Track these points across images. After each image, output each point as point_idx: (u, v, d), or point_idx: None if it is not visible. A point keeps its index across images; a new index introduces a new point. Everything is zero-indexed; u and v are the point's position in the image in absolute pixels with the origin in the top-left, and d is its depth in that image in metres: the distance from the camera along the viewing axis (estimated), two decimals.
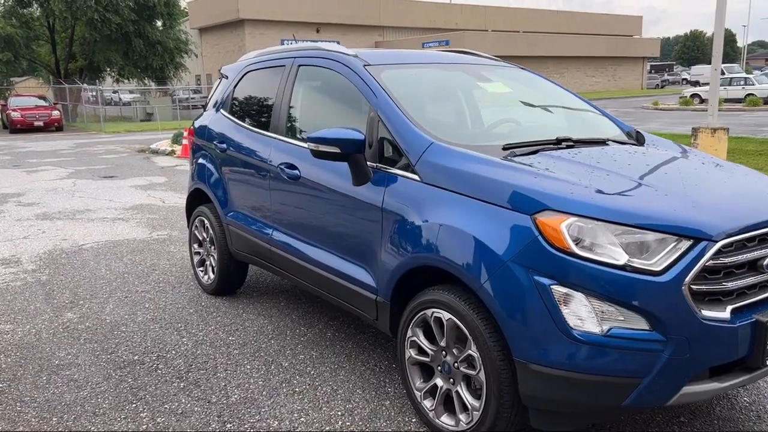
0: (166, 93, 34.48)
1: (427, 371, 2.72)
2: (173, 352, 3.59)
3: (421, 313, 2.63)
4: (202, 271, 4.69)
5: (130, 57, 30.74)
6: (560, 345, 2.16)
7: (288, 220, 3.57)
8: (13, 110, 24.35)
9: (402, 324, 2.76)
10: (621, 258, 2.12)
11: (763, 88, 28.62)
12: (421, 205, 2.63)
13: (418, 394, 2.72)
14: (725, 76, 30.44)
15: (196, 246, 4.74)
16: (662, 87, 56.75)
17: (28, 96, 27.35)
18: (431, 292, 2.59)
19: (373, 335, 3.79)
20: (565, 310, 2.15)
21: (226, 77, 4.55)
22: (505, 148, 2.74)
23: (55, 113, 24.97)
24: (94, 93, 32.16)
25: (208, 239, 4.52)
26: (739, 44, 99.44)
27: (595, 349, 2.12)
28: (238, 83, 4.33)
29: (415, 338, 2.70)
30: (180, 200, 8.70)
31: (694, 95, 30.99)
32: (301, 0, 44.01)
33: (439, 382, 2.63)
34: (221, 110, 4.42)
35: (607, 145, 3.05)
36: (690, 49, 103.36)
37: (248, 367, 3.38)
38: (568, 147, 2.84)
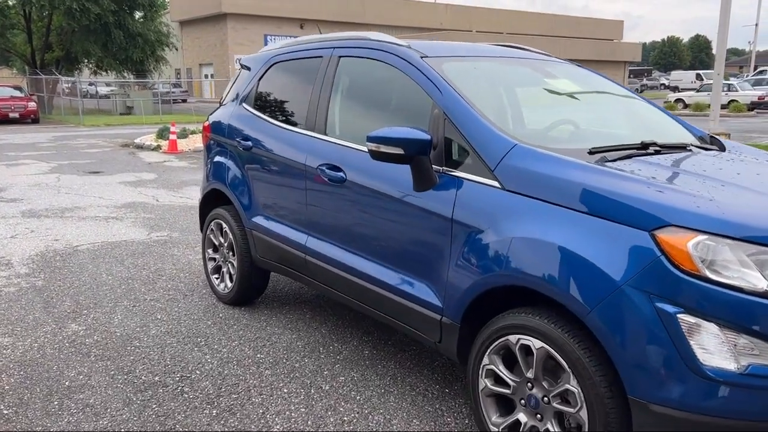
0: (145, 86, 33.63)
1: (505, 404, 2.42)
2: (197, 372, 3.23)
3: (503, 339, 2.33)
4: (217, 278, 4.32)
5: (109, 48, 29.89)
6: (688, 383, 1.87)
7: (328, 227, 3.23)
8: None
9: (475, 350, 2.45)
10: (760, 283, 1.84)
11: (746, 94, 28.93)
12: (504, 216, 2.32)
13: (494, 429, 2.41)
14: (706, 83, 30.74)
15: (210, 251, 4.37)
16: (641, 92, 57.32)
17: (3, 86, 26.38)
18: (516, 316, 2.28)
19: (415, 354, 3.47)
20: (693, 343, 1.86)
21: (248, 68, 4.19)
22: (591, 152, 2.45)
23: (32, 105, 24.08)
24: (69, 85, 31.24)
25: (225, 245, 4.15)
26: (714, 51, 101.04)
27: (730, 388, 1.84)
28: (263, 76, 3.98)
29: (492, 367, 2.39)
30: (174, 199, 8.28)
31: (678, 100, 31.25)
32: None
33: (522, 417, 2.33)
34: (243, 105, 4.05)
35: (691, 150, 2.78)
36: (667, 55, 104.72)
37: (285, 390, 3.04)
38: (656, 152, 2.56)
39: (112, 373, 3.21)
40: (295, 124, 3.54)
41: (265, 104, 3.90)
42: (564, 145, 2.68)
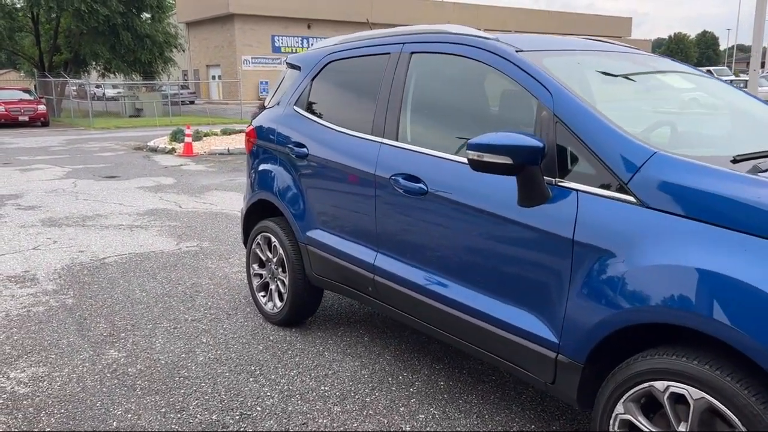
0: (152, 88, 33.38)
1: None
2: (258, 408, 2.88)
3: (645, 385, 1.96)
4: (264, 296, 3.96)
5: (117, 50, 29.65)
6: None
7: (404, 245, 2.87)
8: None
9: (605, 396, 2.08)
10: None
11: (764, 90, 28.44)
12: (645, 239, 1.96)
13: None
14: (724, 78, 30.26)
15: (256, 267, 4.01)
16: None
17: (12, 89, 26.18)
18: (667, 360, 1.91)
19: (497, 386, 3.11)
20: None
21: (297, 68, 3.83)
22: (736, 161, 2.09)
23: (41, 107, 23.84)
24: (76, 87, 30.96)
25: (274, 260, 3.80)
26: (722, 47, 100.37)
27: None
28: (317, 75, 3.62)
29: (628, 417, 2.02)
30: (197, 205, 7.94)
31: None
32: None
33: None
34: (295, 107, 3.70)
35: None
36: (674, 52, 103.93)
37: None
38: None
39: (164, 410, 2.86)
40: (359, 129, 3.18)
41: (321, 107, 3.54)
42: (687, 150, 2.31)
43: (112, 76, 34.13)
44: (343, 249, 3.23)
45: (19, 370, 3.26)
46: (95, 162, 12.62)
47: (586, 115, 2.22)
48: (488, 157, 2.21)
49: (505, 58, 2.54)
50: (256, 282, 4.02)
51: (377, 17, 47.61)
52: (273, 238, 3.76)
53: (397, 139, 2.94)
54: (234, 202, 8.10)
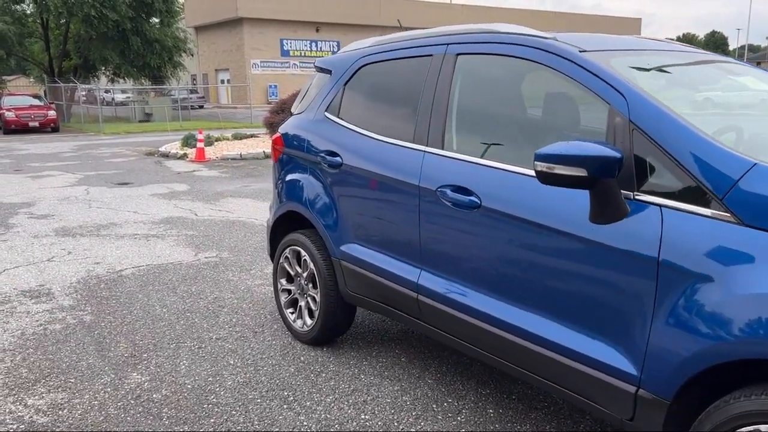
0: (161, 93, 33.33)
1: None
2: None
3: (749, 428, 1.73)
4: (292, 313, 3.75)
5: (126, 55, 29.60)
6: None
7: (452, 263, 2.65)
8: (7, 110, 23.10)
9: None
10: None
11: None
12: (748, 262, 1.73)
13: None
14: None
15: (284, 282, 3.80)
16: None
17: (22, 95, 26.16)
18: None
19: (552, 413, 2.87)
20: None
21: (327, 72, 3.62)
22: None
23: (51, 113, 23.75)
24: (85, 92, 30.93)
25: (304, 275, 3.58)
26: (731, 47, 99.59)
27: None
28: (350, 79, 3.40)
29: None
30: (213, 212, 7.75)
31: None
32: None
33: None
34: (326, 114, 3.48)
35: None
36: None
37: None
38: None
39: None
40: (399, 137, 2.96)
41: (355, 113, 3.32)
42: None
43: (121, 81, 34.10)
44: (382, 265, 3.01)
45: (37, 397, 3.06)
46: (107, 168, 12.47)
47: (668, 122, 1.99)
48: (560, 169, 1.98)
49: (569, 59, 2.32)
50: (283, 298, 3.80)
51: (386, 20, 47.46)
52: (303, 252, 3.55)
53: (442, 148, 2.72)
54: (250, 210, 7.90)
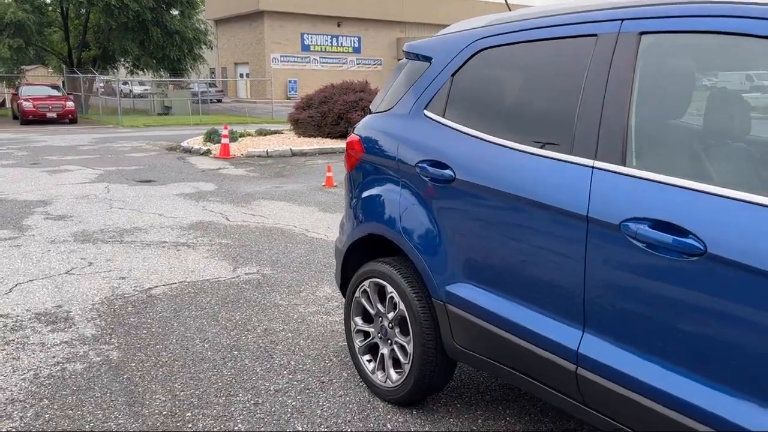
0: (179, 86, 32.74)
1: None
2: None
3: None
4: (370, 361, 3.00)
5: (146, 47, 29.04)
6: None
7: (645, 330, 1.86)
8: (25, 100, 22.58)
9: None
10: None
11: None
12: None
13: None
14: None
15: (359, 321, 3.05)
16: None
17: (41, 85, 25.65)
18: None
19: None
20: None
21: (426, 59, 2.84)
22: None
23: (70, 104, 23.20)
24: (103, 84, 30.41)
25: (390, 317, 2.82)
26: None
27: None
28: (461, 68, 2.63)
29: None
30: (246, 217, 7.02)
31: None
32: None
33: None
34: (426, 113, 2.72)
35: None
36: None
37: None
38: None
39: None
40: (543, 146, 2.19)
41: (471, 113, 2.55)
42: None
43: (140, 72, 33.57)
44: (515, 319, 2.24)
45: None
46: (127, 163, 11.80)
47: None
48: None
49: None
50: (358, 341, 3.05)
51: (408, 16, 46.67)
52: (389, 288, 2.79)
53: (623, 163, 1.94)
54: (286, 215, 7.17)
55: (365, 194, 2.96)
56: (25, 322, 3.85)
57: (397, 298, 2.75)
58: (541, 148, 2.19)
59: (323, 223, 6.73)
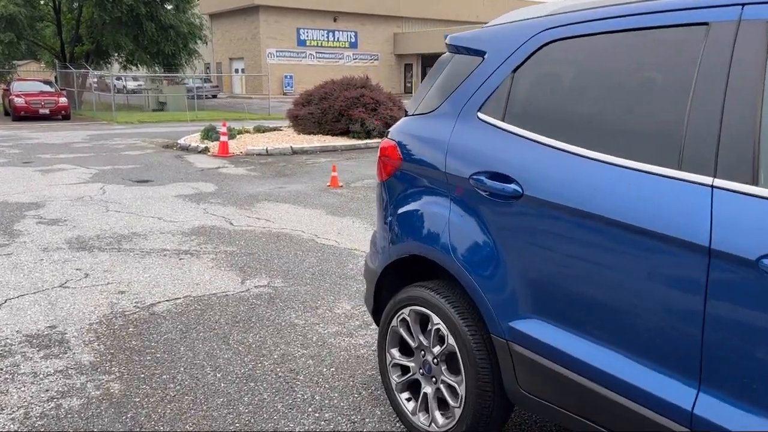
0: (173, 81, 32.18)
1: None
2: None
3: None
4: (409, 401, 2.62)
5: (140, 41, 28.47)
6: None
7: None
8: (17, 96, 22.04)
9: None
10: None
11: None
12: None
13: None
14: None
15: (396, 354, 2.67)
16: None
17: (33, 80, 25.11)
18: None
19: None
20: None
21: (478, 54, 2.45)
22: None
23: (63, 100, 22.66)
24: (96, 79, 29.85)
25: (435, 352, 2.44)
26: None
27: None
28: (524, 63, 2.24)
29: None
30: (251, 221, 6.62)
31: None
32: None
33: None
34: (480, 115, 2.33)
35: None
36: None
37: None
38: None
39: None
40: (639, 158, 1.81)
41: (540, 117, 2.17)
42: None
43: (134, 68, 32.99)
44: (604, 367, 1.86)
45: None
46: (123, 162, 11.37)
47: None
48: None
49: None
50: (395, 376, 2.67)
51: (405, 11, 46.18)
52: (435, 318, 2.41)
53: (754, 183, 1.57)
54: (293, 218, 6.77)
55: (405, 209, 2.57)
56: (15, 347, 3.46)
57: (444, 331, 2.38)
58: (636, 161, 1.81)
59: (333, 228, 6.35)
